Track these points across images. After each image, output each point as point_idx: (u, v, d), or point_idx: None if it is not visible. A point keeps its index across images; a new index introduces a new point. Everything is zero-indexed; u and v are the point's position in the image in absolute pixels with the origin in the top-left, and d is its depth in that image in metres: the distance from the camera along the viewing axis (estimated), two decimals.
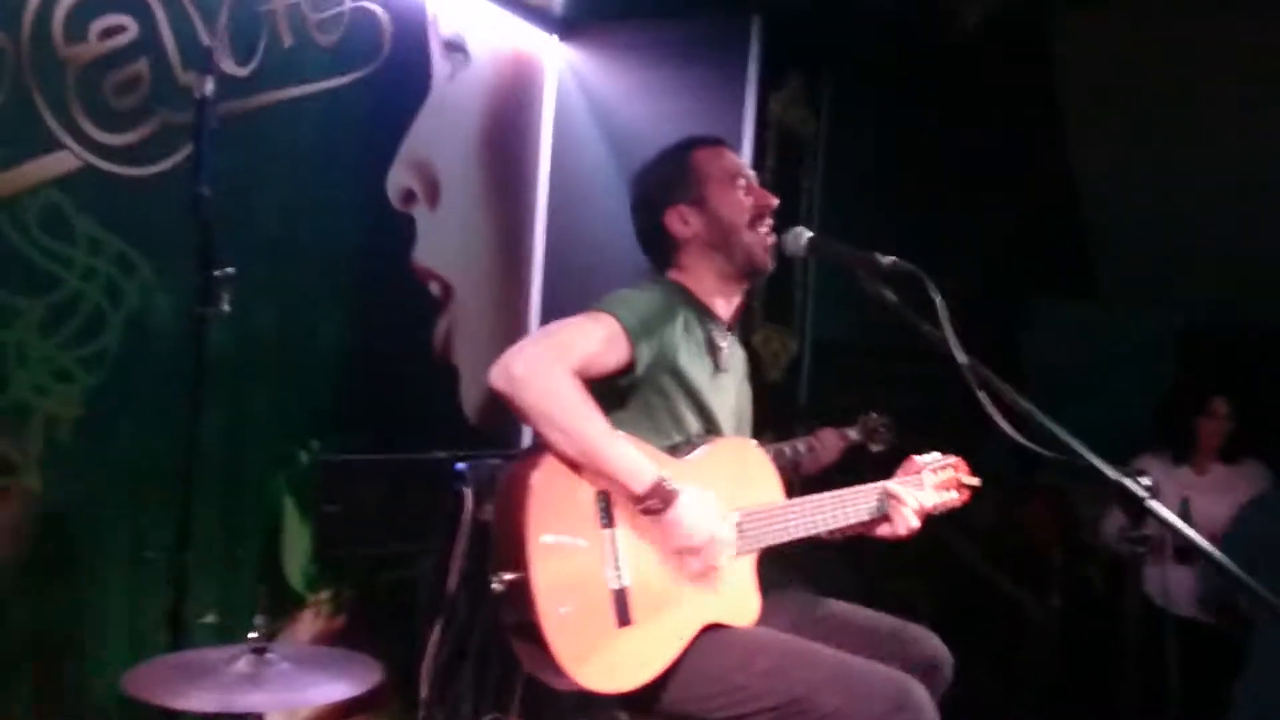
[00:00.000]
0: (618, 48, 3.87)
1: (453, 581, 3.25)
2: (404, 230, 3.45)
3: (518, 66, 3.87)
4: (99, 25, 2.61)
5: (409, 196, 3.46)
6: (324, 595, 3.24)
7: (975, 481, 2.53)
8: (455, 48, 3.62)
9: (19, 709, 2.58)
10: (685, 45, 3.77)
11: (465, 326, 3.68)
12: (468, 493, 3.29)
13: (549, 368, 1.99)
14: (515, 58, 3.86)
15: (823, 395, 4.13)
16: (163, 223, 2.73)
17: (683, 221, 2.29)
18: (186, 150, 2.79)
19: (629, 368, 2.12)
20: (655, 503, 2.03)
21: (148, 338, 2.73)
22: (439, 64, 3.55)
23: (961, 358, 1.90)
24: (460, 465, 3.33)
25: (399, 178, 3.42)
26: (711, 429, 2.25)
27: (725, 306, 2.34)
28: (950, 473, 2.50)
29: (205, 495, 2.83)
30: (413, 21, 3.44)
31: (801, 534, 2.25)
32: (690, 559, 2.08)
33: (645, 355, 2.13)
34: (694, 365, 2.22)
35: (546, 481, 1.98)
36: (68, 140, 2.56)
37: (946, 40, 3.88)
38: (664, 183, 2.32)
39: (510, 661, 3.53)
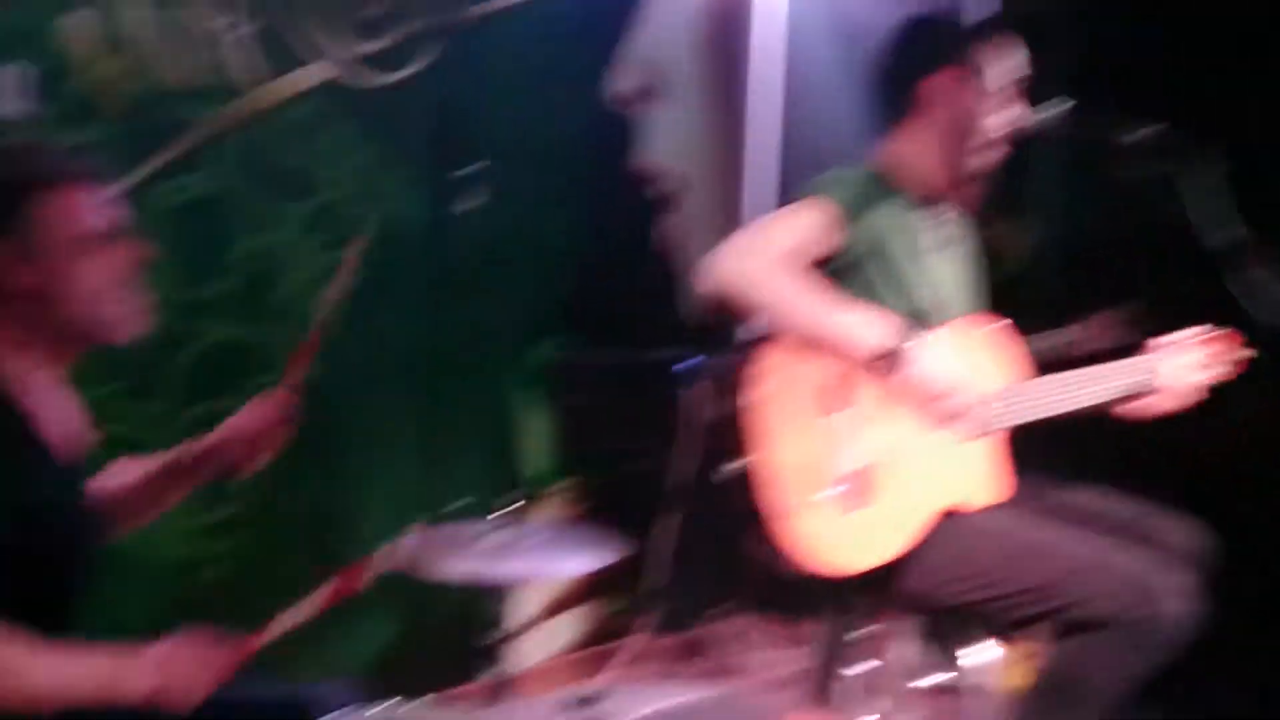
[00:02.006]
0: None
1: (681, 476, 3.35)
2: (629, 130, 3.49)
3: None
4: None
5: (634, 96, 3.48)
6: (558, 489, 3.38)
7: (1248, 353, 2.32)
8: None
9: (292, 586, 2.83)
10: None
11: (692, 225, 3.70)
12: (694, 390, 3.36)
13: (757, 259, 1.99)
14: None
15: (1070, 287, 3.94)
16: (407, 128, 2.86)
17: (938, 90, 2.17)
18: (428, 56, 2.90)
19: (842, 250, 2.10)
20: (888, 362, 1.97)
21: (397, 239, 2.89)
22: None
23: (1235, 234, 1.77)
24: (686, 363, 3.40)
25: (624, 77, 3.44)
26: (935, 311, 2.20)
27: (948, 187, 2.26)
28: (1219, 345, 2.30)
29: (451, 388, 3.01)
30: None
31: (1054, 411, 2.16)
32: (937, 407, 2.01)
33: (858, 235, 2.09)
34: (911, 246, 2.16)
35: (776, 365, 2.00)
36: (322, 51, 2.71)
37: None
38: (936, 49, 2.19)
39: (741, 554, 3.64)
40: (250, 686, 1.77)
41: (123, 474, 1.85)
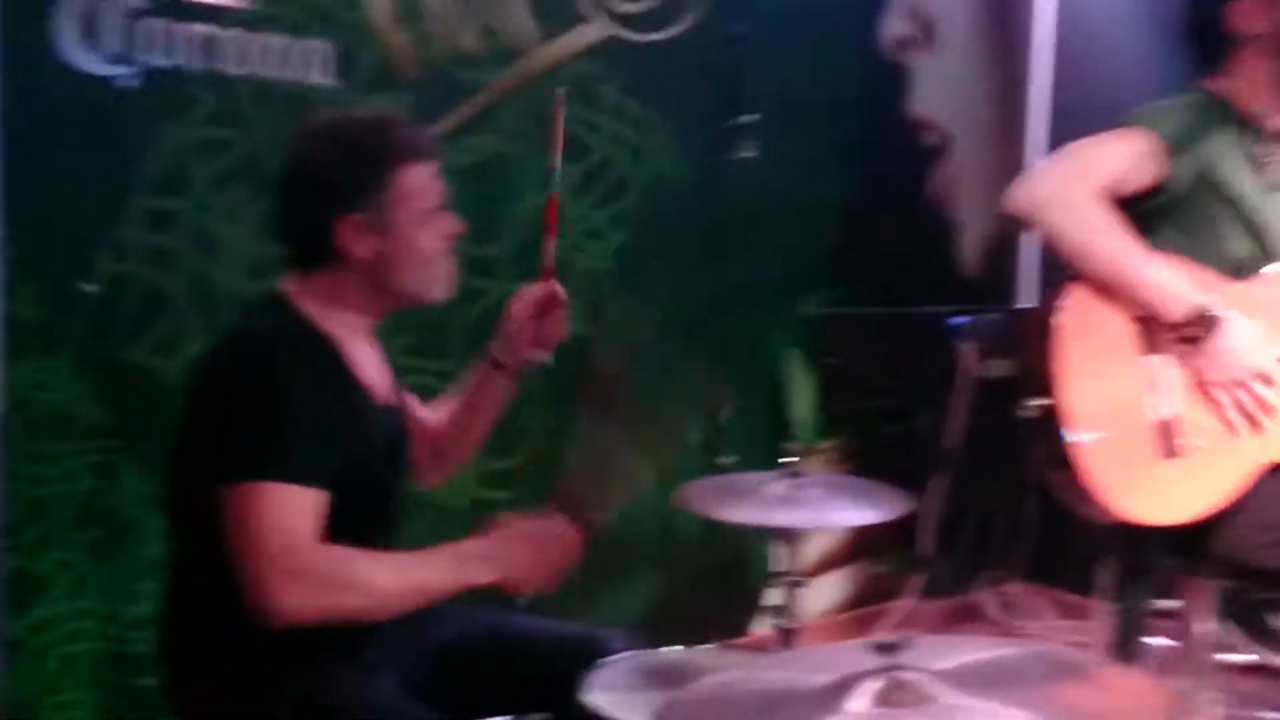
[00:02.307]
0: None
1: (954, 436, 3.24)
2: (900, 78, 3.39)
3: None
4: None
5: (905, 42, 3.38)
6: (827, 446, 3.34)
7: None
8: None
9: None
10: None
11: (963, 176, 3.57)
12: (968, 347, 3.24)
13: (1073, 188, 1.89)
14: None
15: None
16: (676, 85, 2.88)
17: (1250, 16, 2.02)
18: (696, 13, 2.91)
19: (1163, 185, 1.96)
20: (1196, 330, 1.88)
21: (666, 196, 2.92)
22: None
23: None
24: (959, 319, 3.29)
25: (894, 23, 3.35)
26: (1265, 252, 2.02)
27: None
28: None
29: (720, 343, 3.02)
30: None
31: None
32: (1234, 393, 1.90)
33: (1182, 170, 1.95)
34: (1241, 181, 1.99)
35: (1079, 307, 1.90)
36: (594, 12, 2.76)
37: None
38: None
39: (1015, 518, 3.50)
40: (543, 623, 1.84)
41: (431, 412, 1.95)
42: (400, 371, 1.87)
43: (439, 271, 1.72)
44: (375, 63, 2.45)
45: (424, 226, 1.67)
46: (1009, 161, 3.64)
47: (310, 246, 1.68)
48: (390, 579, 1.56)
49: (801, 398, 3.27)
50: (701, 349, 2.98)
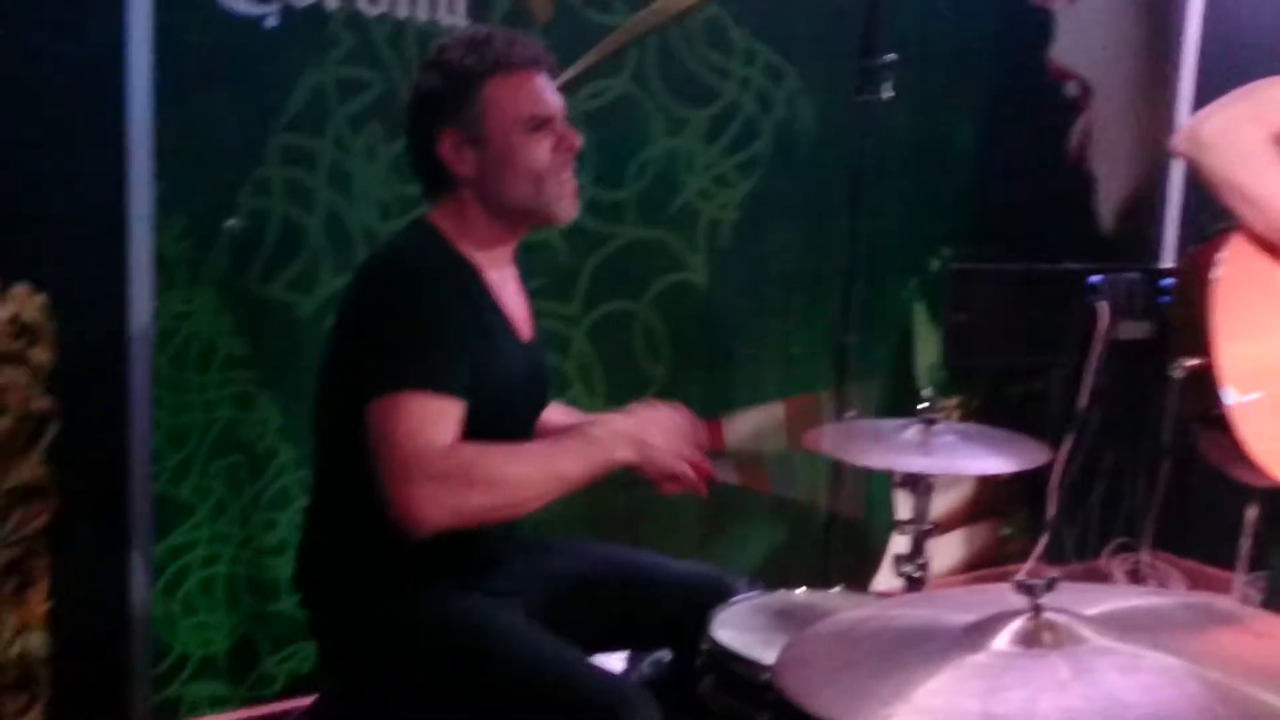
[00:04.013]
0: None
1: (1085, 398, 3.14)
2: (1041, 26, 3.27)
3: None
4: None
5: None
6: (952, 402, 3.27)
7: None
8: None
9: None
10: None
11: (1104, 130, 3.43)
12: (1103, 306, 3.13)
13: (1243, 130, 1.79)
14: None
15: None
16: (806, 31, 2.82)
17: None
18: None
19: None
20: None
21: (794, 144, 2.87)
22: None
23: None
24: (1095, 278, 3.17)
25: None
26: None
27: None
28: None
29: (851, 293, 2.96)
30: None
31: None
32: None
33: None
34: None
35: (1236, 258, 1.80)
36: None
37: None
38: None
39: (1146, 485, 3.38)
40: (668, 562, 1.85)
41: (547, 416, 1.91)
42: (540, 315, 1.88)
43: (553, 186, 1.68)
44: (509, 4, 2.45)
45: (526, 137, 1.65)
46: (1154, 117, 3.49)
47: (425, 170, 1.70)
48: (527, 469, 1.55)
49: (928, 353, 3.21)
50: (829, 300, 2.93)
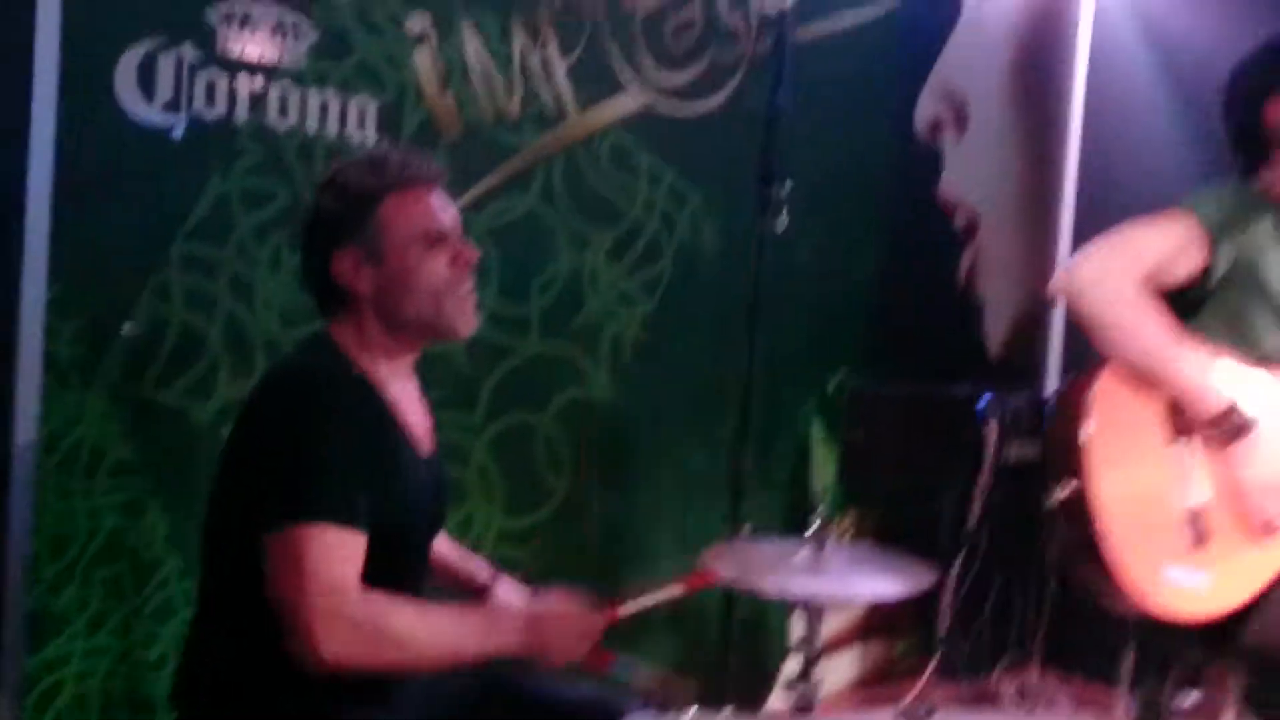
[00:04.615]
0: None
1: (975, 518, 3.22)
2: (931, 160, 3.43)
3: None
4: None
5: (937, 126, 3.42)
6: (846, 521, 3.33)
7: None
8: None
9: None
10: None
11: (991, 259, 3.58)
12: (991, 428, 3.23)
13: (1116, 273, 1.91)
14: None
15: None
16: (709, 156, 2.92)
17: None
18: (731, 88, 2.96)
19: (1206, 270, 1.97)
20: (1223, 430, 1.88)
21: (697, 264, 2.95)
22: None
23: None
24: (984, 400, 3.28)
25: (927, 107, 3.39)
26: None
27: None
28: None
29: (746, 413, 3.01)
30: None
31: None
32: (1259, 503, 1.90)
33: (1224, 257, 1.96)
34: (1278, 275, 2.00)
35: (1110, 391, 1.90)
36: (632, 82, 2.82)
37: None
38: (1273, 70, 2.11)
39: (1035, 604, 3.46)
40: (560, 684, 1.83)
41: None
42: (439, 426, 1.88)
43: (452, 301, 1.70)
44: (419, 121, 2.50)
45: (423, 253, 1.68)
46: (1037, 245, 3.66)
47: (320, 287, 1.72)
48: (433, 636, 1.57)
49: (824, 472, 3.27)
50: (728, 418, 2.98)
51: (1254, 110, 2.09)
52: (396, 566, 1.62)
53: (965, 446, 3.26)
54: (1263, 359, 2.00)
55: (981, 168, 3.54)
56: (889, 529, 3.32)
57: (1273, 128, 2.07)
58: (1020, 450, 3.24)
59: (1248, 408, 1.89)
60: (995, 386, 3.33)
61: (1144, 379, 1.90)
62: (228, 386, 2.28)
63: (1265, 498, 1.89)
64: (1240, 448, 1.89)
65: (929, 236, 3.46)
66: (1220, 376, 1.92)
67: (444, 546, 1.94)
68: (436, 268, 1.69)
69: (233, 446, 1.65)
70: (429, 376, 1.90)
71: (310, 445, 1.54)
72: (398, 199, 1.68)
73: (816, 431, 3.25)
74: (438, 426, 1.87)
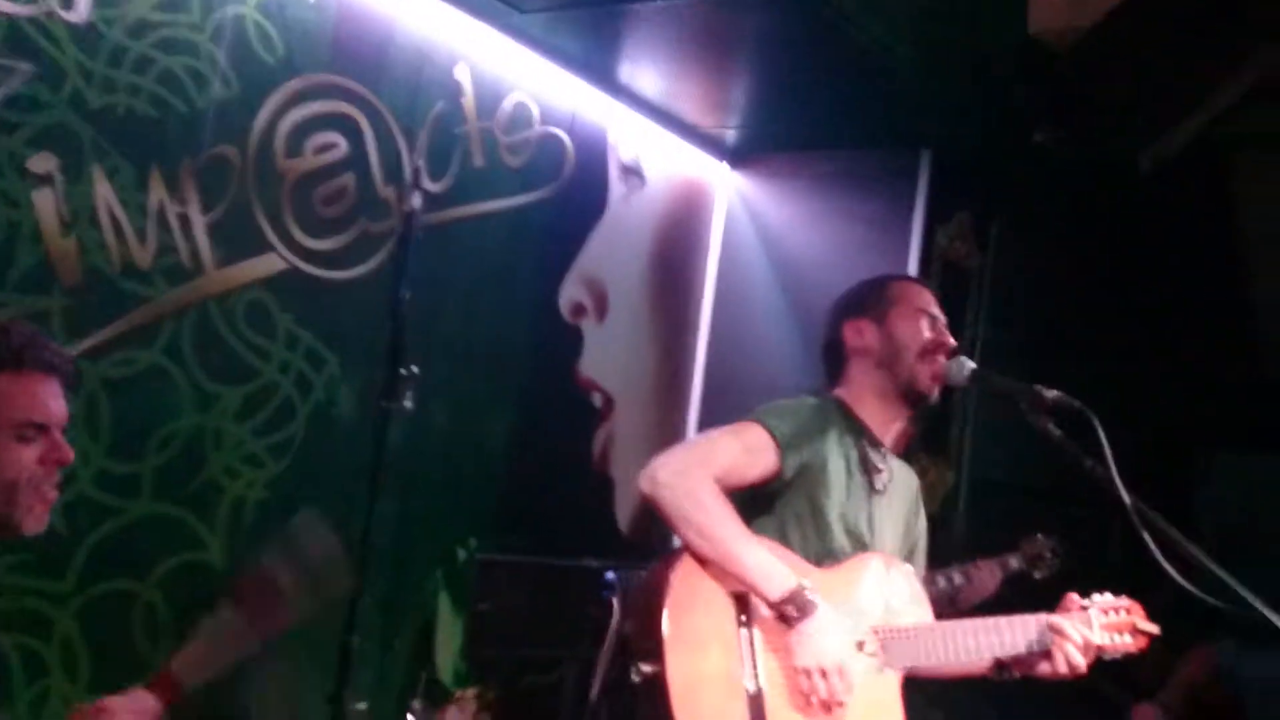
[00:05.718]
0: (786, 176, 4.00)
1: (596, 689, 3.29)
2: (572, 342, 3.60)
3: (689, 191, 4.03)
4: (315, 142, 2.87)
5: (578, 310, 3.61)
6: (470, 693, 3.30)
7: (1153, 628, 2.37)
8: (632, 172, 3.80)
9: None
10: (854, 177, 3.87)
11: (624, 438, 3.77)
12: (616, 602, 3.34)
13: (691, 472, 2.07)
14: (687, 183, 4.02)
15: (979, 531, 4.04)
16: (351, 322, 2.94)
17: (858, 333, 2.31)
18: (380, 257, 3.01)
19: (776, 476, 2.16)
20: (792, 609, 2.04)
21: (329, 430, 2.92)
22: (615, 186, 3.73)
23: (1127, 498, 1.88)
24: (610, 574, 3.39)
25: (571, 291, 3.58)
26: (860, 548, 2.24)
27: (885, 429, 2.35)
28: (1123, 615, 2.37)
29: (369, 584, 2.97)
30: (594, 147, 3.64)
31: (949, 658, 2.20)
32: (814, 682, 2.07)
33: (792, 465, 2.17)
34: (844, 481, 2.23)
35: (684, 579, 2.03)
36: (277, 244, 2.80)
37: (1118, 182, 3.85)
38: (856, 298, 2.37)
39: None
40: None
41: None
42: (13, 592, 1.73)
43: (28, 496, 1.61)
44: (29, 264, 2.36)
45: (10, 443, 1.59)
46: (668, 428, 3.90)
47: None
48: None
49: (449, 641, 3.24)
50: (357, 584, 2.92)
51: (836, 329, 2.36)
52: None
53: (590, 619, 3.34)
54: (828, 553, 2.20)
55: (618, 352, 3.76)
56: (512, 701, 3.32)
57: (848, 345, 2.34)
58: (635, 619, 3.35)
59: (811, 592, 2.06)
60: (623, 562, 3.46)
61: (717, 567, 2.05)
62: None
63: (824, 679, 2.06)
64: (803, 629, 2.05)
65: (567, 413, 3.61)
66: (786, 567, 2.10)
67: None
68: (22, 459, 1.60)
69: None
70: (10, 541, 1.75)
71: None
72: (8, 378, 1.60)
73: (445, 602, 3.23)
74: (22, 594, 1.72)
